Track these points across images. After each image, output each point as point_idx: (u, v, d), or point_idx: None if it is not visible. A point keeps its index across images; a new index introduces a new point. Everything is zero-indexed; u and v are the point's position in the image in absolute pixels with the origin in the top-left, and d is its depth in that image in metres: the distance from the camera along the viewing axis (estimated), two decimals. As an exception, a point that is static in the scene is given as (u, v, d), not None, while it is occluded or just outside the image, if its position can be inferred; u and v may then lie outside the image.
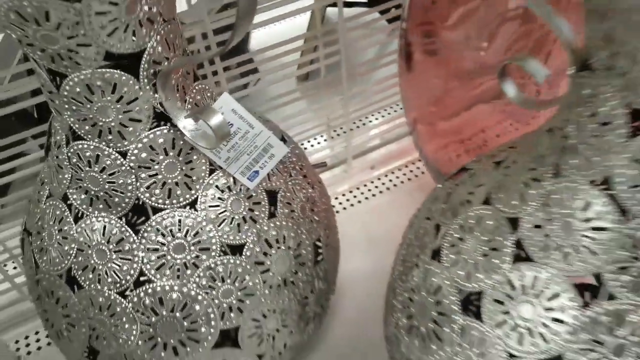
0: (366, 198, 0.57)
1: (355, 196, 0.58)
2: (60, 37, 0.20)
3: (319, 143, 0.63)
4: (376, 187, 0.58)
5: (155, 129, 0.24)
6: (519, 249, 0.22)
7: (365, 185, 0.58)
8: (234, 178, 0.27)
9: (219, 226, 0.27)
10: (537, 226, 0.21)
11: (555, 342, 0.21)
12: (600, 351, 0.20)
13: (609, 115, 0.18)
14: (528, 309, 0.21)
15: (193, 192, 0.26)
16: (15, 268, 0.50)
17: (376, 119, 0.64)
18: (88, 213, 0.26)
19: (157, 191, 0.25)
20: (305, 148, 0.62)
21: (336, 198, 0.58)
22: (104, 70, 0.22)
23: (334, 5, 0.45)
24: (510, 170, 0.24)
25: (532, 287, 0.21)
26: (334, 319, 0.44)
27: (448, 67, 0.40)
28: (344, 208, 0.57)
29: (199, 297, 0.27)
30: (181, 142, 0.25)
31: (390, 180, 0.59)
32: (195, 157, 0.26)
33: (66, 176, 0.26)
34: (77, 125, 0.24)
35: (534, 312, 0.21)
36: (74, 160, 0.25)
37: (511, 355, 0.22)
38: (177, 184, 0.26)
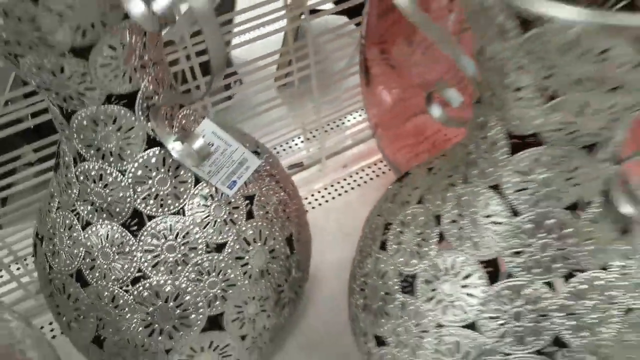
0: (339, 194, 0.63)
1: (329, 193, 0.63)
2: (72, 84, 0.25)
3: (296, 144, 0.68)
4: (348, 184, 0.64)
5: (149, 151, 0.30)
6: (442, 238, 0.28)
7: (338, 183, 0.64)
8: (215, 188, 0.33)
9: (204, 228, 0.32)
10: (454, 221, 0.27)
11: (470, 311, 0.27)
12: (504, 317, 0.26)
13: (495, 138, 0.23)
14: (449, 286, 0.27)
15: (181, 201, 0.32)
16: (18, 269, 0.55)
17: (348, 120, 0.70)
18: (93, 221, 0.31)
19: (152, 201, 0.31)
20: (284, 150, 0.67)
21: (312, 195, 0.63)
22: (106, 106, 0.27)
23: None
24: (437, 176, 0.29)
25: (452, 269, 0.27)
26: (310, 303, 0.50)
27: (402, 80, 0.46)
28: (319, 204, 0.62)
29: (189, 289, 0.32)
30: (170, 161, 0.30)
31: (361, 178, 0.64)
32: (182, 172, 0.31)
33: (74, 191, 0.31)
34: (84, 150, 0.29)
35: (454, 288, 0.27)
36: (81, 178, 0.30)
37: (438, 324, 0.28)
38: (167, 195, 0.31)
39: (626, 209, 0.24)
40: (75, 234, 0.31)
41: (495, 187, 0.25)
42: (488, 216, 0.25)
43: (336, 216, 0.60)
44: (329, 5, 0.54)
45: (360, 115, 0.70)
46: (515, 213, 0.25)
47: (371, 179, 0.64)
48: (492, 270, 0.26)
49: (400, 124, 0.48)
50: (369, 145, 0.66)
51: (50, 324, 0.52)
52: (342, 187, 0.64)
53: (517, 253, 0.25)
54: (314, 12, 0.52)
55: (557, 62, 0.17)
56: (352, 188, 0.63)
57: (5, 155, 0.45)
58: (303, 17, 0.50)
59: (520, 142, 0.23)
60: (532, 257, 0.25)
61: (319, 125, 0.60)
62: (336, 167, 0.65)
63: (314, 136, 0.68)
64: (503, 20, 0.17)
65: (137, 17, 0.20)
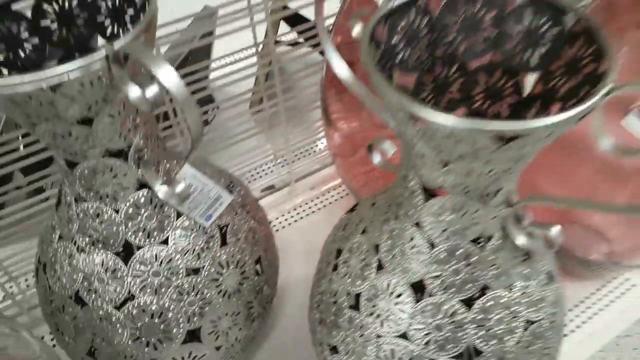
0: (307, 214, 0.69)
1: (298, 213, 0.69)
2: (77, 144, 0.31)
3: (269, 168, 0.74)
4: (315, 204, 0.70)
5: (139, 192, 0.35)
6: (379, 264, 0.34)
7: (306, 204, 0.70)
8: (194, 220, 0.39)
9: (184, 255, 0.38)
10: (388, 250, 0.33)
11: (402, 324, 0.33)
12: (428, 328, 0.33)
13: (413, 188, 0.30)
14: (385, 303, 0.34)
15: (165, 232, 0.37)
16: (11, 287, 0.60)
17: (316, 145, 0.76)
18: (90, 251, 0.37)
19: (140, 234, 0.37)
20: (258, 173, 0.74)
21: (283, 215, 0.69)
22: (105, 159, 0.33)
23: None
24: (377, 212, 0.36)
25: (387, 289, 0.34)
26: (278, 315, 0.56)
27: (354, 117, 0.52)
28: (289, 224, 0.68)
29: (171, 307, 0.38)
30: (157, 200, 0.36)
31: (327, 199, 0.71)
32: (166, 209, 0.37)
33: (75, 225, 0.36)
34: (84, 193, 0.35)
35: (389, 305, 0.34)
36: (81, 215, 0.36)
37: (378, 335, 0.34)
38: (153, 228, 0.37)
39: (520, 241, 0.31)
40: (74, 262, 0.37)
41: (417, 225, 0.31)
42: (413, 247, 0.32)
43: (304, 235, 0.66)
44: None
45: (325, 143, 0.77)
46: (433, 245, 0.31)
47: (336, 200, 0.70)
48: (418, 290, 0.33)
49: (354, 154, 0.55)
50: (334, 169, 0.73)
51: (43, 337, 0.57)
52: (310, 207, 0.70)
53: (436, 277, 0.32)
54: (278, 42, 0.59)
55: (442, 144, 0.24)
56: (319, 209, 0.70)
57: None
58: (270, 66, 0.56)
59: (431, 192, 0.30)
60: (448, 280, 0.32)
61: (288, 151, 0.67)
62: (304, 189, 0.72)
63: (285, 160, 0.74)
64: (403, 116, 0.24)
65: (133, 100, 0.27)
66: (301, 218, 0.69)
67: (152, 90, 0.26)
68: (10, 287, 0.59)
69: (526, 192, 0.31)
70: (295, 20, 0.67)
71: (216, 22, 0.69)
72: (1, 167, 0.47)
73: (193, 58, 0.58)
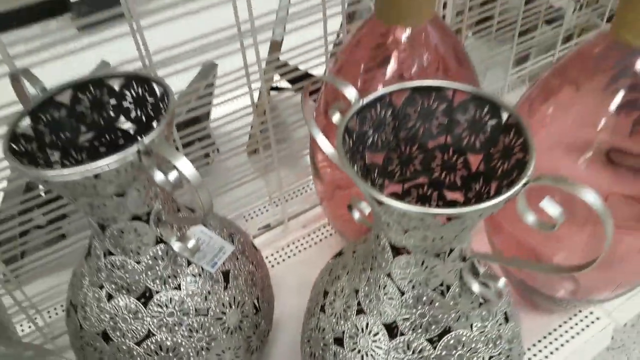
0: (299, 251, 0.76)
1: (291, 250, 0.76)
2: (109, 212, 0.38)
3: (265, 208, 0.81)
4: (307, 242, 0.77)
5: (157, 246, 0.42)
6: (359, 306, 0.41)
7: (299, 241, 0.77)
8: (202, 268, 0.45)
9: (194, 298, 0.45)
10: (366, 295, 0.40)
11: (379, 359, 0.40)
12: (398, 361, 0.39)
13: (384, 245, 0.37)
14: (364, 341, 0.40)
15: (178, 279, 0.44)
16: (35, 319, 0.66)
17: (308, 186, 0.84)
18: (116, 295, 0.43)
19: (158, 281, 0.43)
20: (255, 213, 0.80)
21: (277, 252, 0.76)
22: (130, 222, 0.40)
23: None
24: (357, 260, 0.43)
25: (366, 328, 0.40)
26: (274, 347, 0.63)
27: (337, 168, 0.59)
28: (283, 260, 0.75)
29: (183, 343, 0.45)
30: (172, 252, 0.43)
31: (317, 236, 0.77)
32: (179, 259, 0.44)
33: (102, 275, 0.43)
34: (112, 248, 0.41)
35: (367, 342, 0.40)
36: (108, 266, 0.42)
37: (357, 366, 0.41)
38: (168, 276, 0.44)
39: (476, 289, 0.38)
40: (102, 304, 0.43)
41: (389, 275, 0.38)
42: (386, 294, 0.39)
43: (296, 271, 0.73)
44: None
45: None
46: (402, 293, 0.38)
47: (325, 237, 0.77)
48: (392, 330, 0.40)
49: (337, 198, 0.62)
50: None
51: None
52: (302, 244, 0.77)
53: (406, 319, 0.39)
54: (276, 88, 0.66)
55: (400, 219, 0.31)
56: (310, 246, 0.76)
57: (20, 218, 0.56)
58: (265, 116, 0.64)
59: (398, 250, 0.37)
60: (416, 322, 0.39)
61: (281, 194, 0.74)
62: (297, 227, 0.79)
63: (279, 200, 0.81)
64: (369, 197, 0.31)
65: (158, 182, 0.34)
66: (294, 255, 0.75)
67: (173, 175, 0.34)
68: (35, 318, 0.65)
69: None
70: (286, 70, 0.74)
71: (216, 76, 0.77)
72: (25, 212, 0.54)
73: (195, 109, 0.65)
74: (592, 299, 0.59)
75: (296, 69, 0.70)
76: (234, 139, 0.69)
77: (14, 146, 0.37)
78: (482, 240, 0.61)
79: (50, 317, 0.67)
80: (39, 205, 0.57)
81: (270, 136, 0.65)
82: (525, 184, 0.30)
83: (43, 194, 0.59)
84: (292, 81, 0.81)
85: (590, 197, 0.27)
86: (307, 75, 0.75)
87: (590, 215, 0.51)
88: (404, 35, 0.48)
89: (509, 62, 0.85)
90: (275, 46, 0.76)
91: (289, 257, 0.75)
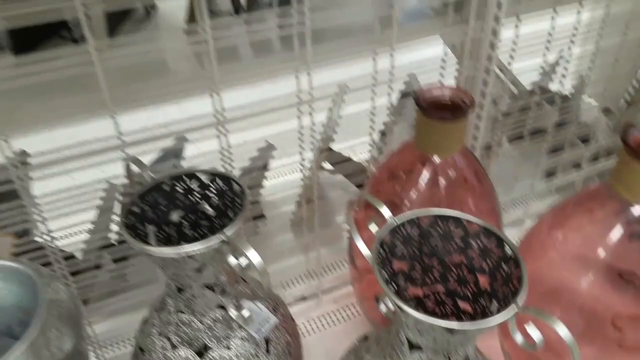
0: (329, 325, 0.84)
1: (322, 323, 0.84)
2: (189, 280, 0.49)
3: (302, 279, 0.91)
4: (337, 317, 0.85)
5: (217, 311, 0.52)
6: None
7: (329, 315, 0.85)
8: (249, 333, 0.55)
9: (239, 359, 0.54)
10: (382, 378, 0.48)
11: None
12: None
13: (401, 339, 0.45)
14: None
15: (229, 340, 0.54)
16: (97, 356, 0.76)
17: (344, 266, 0.93)
18: (179, 347, 0.53)
19: (213, 339, 0.53)
20: (293, 283, 0.90)
21: (309, 322, 0.84)
22: (202, 289, 0.50)
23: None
24: (379, 347, 0.51)
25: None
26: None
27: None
28: (314, 331, 0.83)
29: (226, 394, 0.54)
30: (228, 317, 0.53)
31: (347, 313, 0.86)
32: (232, 323, 0.54)
33: (171, 328, 0.53)
34: (182, 307, 0.52)
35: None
36: (176, 321, 0.53)
37: None
38: (222, 336, 0.53)
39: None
40: (167, 352, 0.53)
41: (396, 364, 0.47)
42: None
43: (326, 343, 0.81)
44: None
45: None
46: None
47: (354, 315, 0.85)
48: None
49: (367, 282, 0.71)
50: (355, 289, 0.88)
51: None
52: (332, 319, 0.85)
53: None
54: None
55: (415, 323, 0.40)
56: (339, 321, 0.85)
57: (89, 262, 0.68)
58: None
59: (415, 345, 0.45)
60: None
61: (317, 269, 0.83)
62: (329, 301, 0.87)
63: (315, 274, 0.91)
64: (392, 302, 0.40)
65: (232, 265, 0.44)
66: (324, 328, 0.83)
67: (243, 261, 0.44)
68: (96, 355, 0.76)
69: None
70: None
71: (273, 155, 0.90)
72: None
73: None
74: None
75: (349, 159, 0.82)
76: (280, 207, 0.80)
77: (126, 221, 0.48)
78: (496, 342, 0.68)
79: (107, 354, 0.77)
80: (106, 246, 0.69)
81: (315, 216, 0.76)
82: (515, 313, 0.39)
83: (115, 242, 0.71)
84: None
85: (561, 330, 0.36)
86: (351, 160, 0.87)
87: (598, 334, 0.58)
88: (437, 160, 0.59)
89: (537, 175, 0.94)
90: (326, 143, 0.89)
91: (319, 329, 0.83)
